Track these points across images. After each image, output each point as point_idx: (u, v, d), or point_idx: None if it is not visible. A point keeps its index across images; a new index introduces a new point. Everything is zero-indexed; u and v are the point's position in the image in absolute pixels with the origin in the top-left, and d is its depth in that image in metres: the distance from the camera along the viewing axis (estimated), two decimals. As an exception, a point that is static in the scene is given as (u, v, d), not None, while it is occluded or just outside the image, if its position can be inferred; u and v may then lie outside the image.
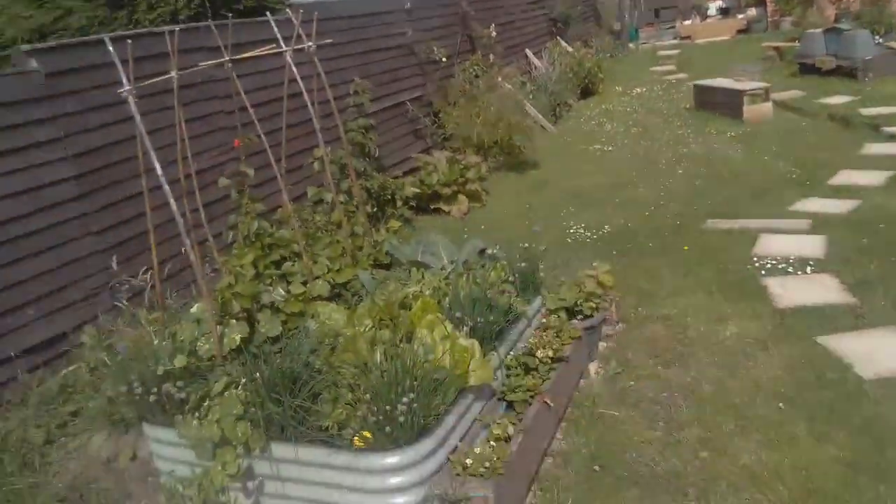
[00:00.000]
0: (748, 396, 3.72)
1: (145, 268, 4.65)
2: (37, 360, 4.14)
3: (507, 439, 3.14)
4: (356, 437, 2.92)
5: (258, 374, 3.09)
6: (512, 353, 3.71)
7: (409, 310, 3.52)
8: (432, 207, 7.38)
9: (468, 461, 2.92)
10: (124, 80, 3.01)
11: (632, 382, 3.98)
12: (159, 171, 3.08)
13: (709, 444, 3.41)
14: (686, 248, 5.66)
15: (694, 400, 3.75)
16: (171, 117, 3.62)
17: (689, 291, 4.92)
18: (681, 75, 13.85)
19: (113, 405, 3.73)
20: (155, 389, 3.25)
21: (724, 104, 9.92)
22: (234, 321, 3.60)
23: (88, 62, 4.38)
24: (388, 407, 2.86)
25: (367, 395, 3.01)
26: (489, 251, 4.48)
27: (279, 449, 3.07)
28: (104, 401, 3.75)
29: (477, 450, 2.99)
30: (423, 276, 4.07)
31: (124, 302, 4.58)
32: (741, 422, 3.54)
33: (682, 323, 4.52)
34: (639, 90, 12.76)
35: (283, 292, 3.86)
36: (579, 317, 4.11)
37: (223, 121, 5.37)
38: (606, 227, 6.37)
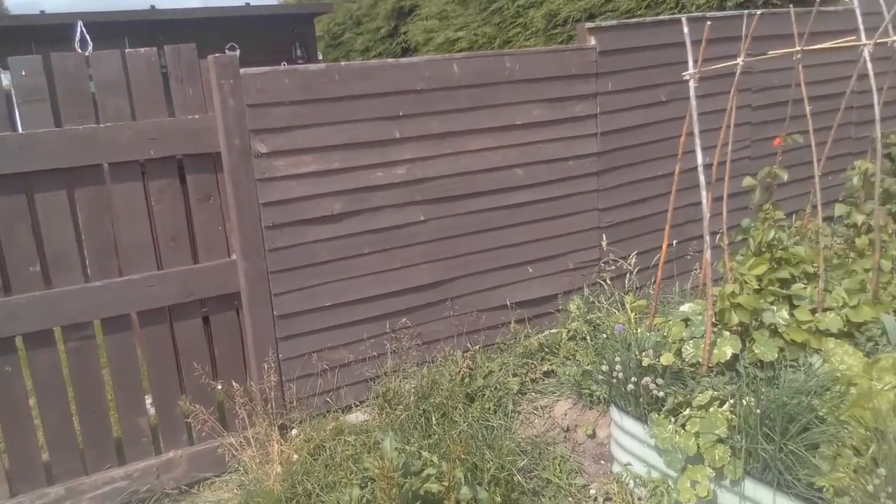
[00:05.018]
0: None
1: (635, 252, 4.65)
2: (526, 313, 4.46)
3: None
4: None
5: (752, 400, 2.75)
6: None
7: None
8: None
9: None
10: (690, 63, 2.89)
11: None
12: (700, 156, 2.91)
13: None
14: None
15: None
16: (703, 105, 3.45)
17: None
18: None
19: (586, 378, 3.80)
20: (634, 379, 3.17)
21: None
22: (728, 333, 3.31)
23: (637, 44, 4.44)
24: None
25: (881, 469, 2.43)
26: None
27: (755, 489, 2.71)
28: (578, 371, 3.85)
29: None
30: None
31: (608, 281, 4.65)
32: None
33: None
34: None
35: (786, 316, 3.41)
36: None
37: (747, 116, 5.02)
38: None
